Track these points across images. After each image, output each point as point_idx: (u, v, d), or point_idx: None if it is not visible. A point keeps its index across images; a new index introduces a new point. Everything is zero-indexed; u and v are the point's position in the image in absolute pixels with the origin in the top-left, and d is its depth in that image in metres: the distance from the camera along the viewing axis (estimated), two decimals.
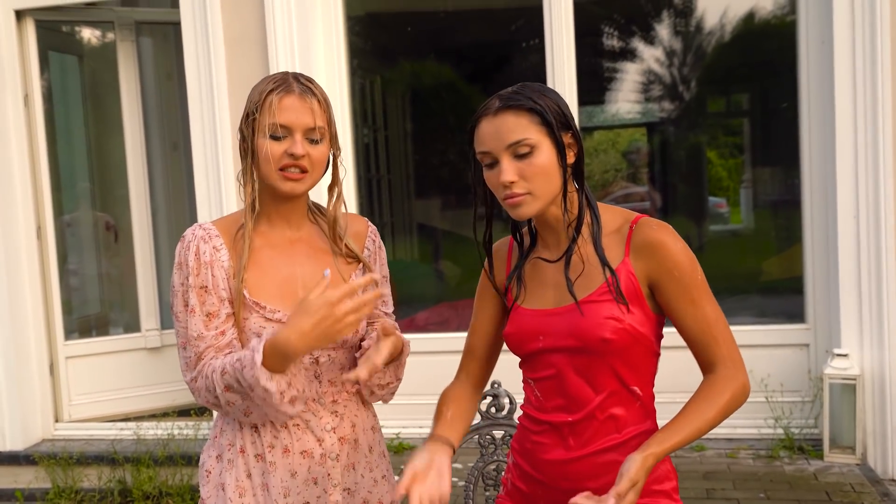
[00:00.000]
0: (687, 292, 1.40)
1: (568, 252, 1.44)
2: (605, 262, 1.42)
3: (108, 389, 4.69)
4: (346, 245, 1.62)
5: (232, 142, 4.00)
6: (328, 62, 4.15)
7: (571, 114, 1.45)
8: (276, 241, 1.58)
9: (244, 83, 3.86)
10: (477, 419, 1.97)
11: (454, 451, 1.46)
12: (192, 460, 3.87)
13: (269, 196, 1.56)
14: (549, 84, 3.98)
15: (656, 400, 1.50)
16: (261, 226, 1.58)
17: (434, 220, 6.16)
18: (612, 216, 1.48)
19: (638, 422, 1.45)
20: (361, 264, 1.65)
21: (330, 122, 1.55)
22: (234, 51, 4.03)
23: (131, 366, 4.76)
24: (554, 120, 1.39)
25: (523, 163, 1.39)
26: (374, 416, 1.69)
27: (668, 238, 1.41)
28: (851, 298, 3.58)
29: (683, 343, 1.47)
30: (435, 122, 6.17)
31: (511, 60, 5.83)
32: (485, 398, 1.95)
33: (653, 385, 1.48)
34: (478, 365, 1.60)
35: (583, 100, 4.28)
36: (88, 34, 5.26)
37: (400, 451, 4.02)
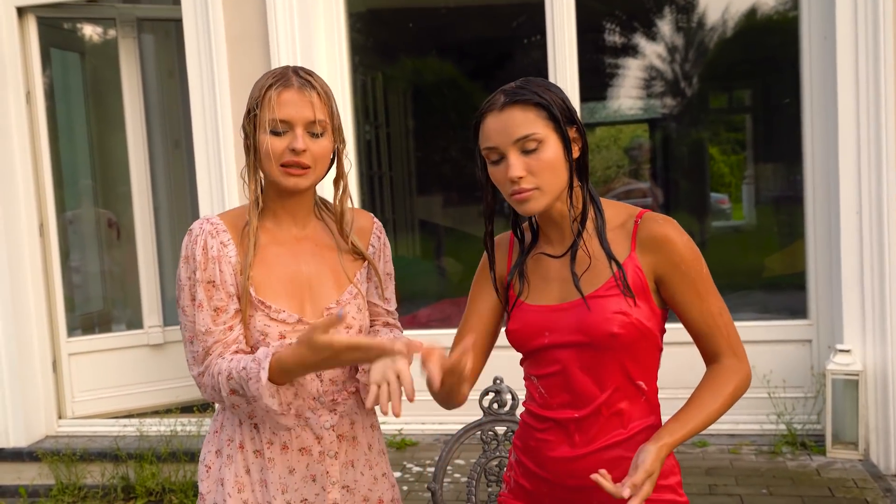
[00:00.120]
0: (693, 286, 1.41)
1: (573, 247, 1.44)
2: (611, 256, 1.41)
3: (111, 386, 4.69)
4: (351, 242, 1.61)
5: (234, 139, 4.00)
6: (330, 59, 4.15)
7: (574, 108, 1.45)
8: (282, 239, 1.57)
9: (246, 80, 3.86)
10: (479, 415, 1.97)
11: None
12: (194, 457, 3.87)
13: (275, 192, 1.55)
14: (552, 80, 3.97)
15: (659, 395, 1.50)
16: (266, 222, 1.56)
17: (436, 217, 6.16)
18: (616, 211, 1.48)
19: (643, 417, 1.45)
20: (366, 262, 1.64)
21: (332, 115, 1.53)
22: (236, 48, 4.03)
23: (134, 362, 4.76)
24: (560, 114, 1.39)
25: (531, 158, 1.38)
26: (374, 413, 1.68)
27: (674, 232, 1.42)
28: (854, 294, 3.57)
29: (687, 339, 1.48)
30: (437, 118, 6.17)
31: (513, 57, 5.83)
32: (487, 394, 1.95)
33: (656, 380, 1.49)
34: (471, 357, 1.54)
35: (584, 96, 4.27)
36: (90, 31, 5.25)
37: (402, 447, 4.02)
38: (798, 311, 3.99)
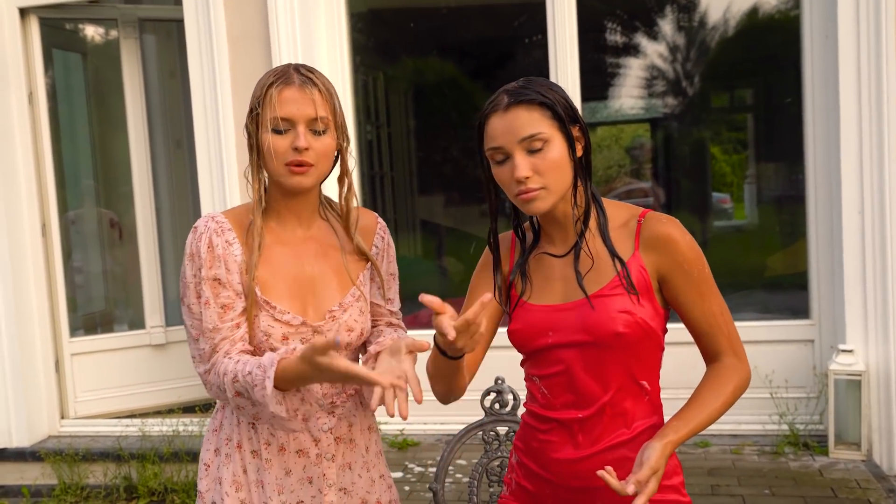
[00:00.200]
0: (696, 286, 1.41)
1: (576, 246, 1.43)
2: (615, 255, 1.41)
3: (113, 386, 4.69)
4: (356, 243, 1.60)
5: (235, 139, 4.00)
6: (331, 59, 4.15)
7: (577, 108, 1.44)
8: (286, 239, 1.56)
9: (247, 80, 3.86)
10: (480, 415, 1.97)
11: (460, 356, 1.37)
12: (196, 457, 3.87)
13: (279, 192, 1.53)
14: (553, 80, 3.96)
15: (660, 395, 1.49)
16: (270, 222, 1.55)
17: (437, 217, 6.16)
18: (618, 211, 1.48)
19: (646, 416, 1.45)
20: (369, 262, 1.63)
21: (334, 112, 1.51)
22: (237, 48, 4.03)
23: (136, 362, 4.77)
24: (564, 113, 1.39)
25: (536, 157, 1.38)
26: (372, 415, 1.66)
27: (677, 232, 1.42)
28: (856, 294, 3.56)
29: (688, 339, 1.48)
30: (438, 118, 6.16)
31: (514, 56, 5.83)
32: (488, 394, 1.95)
33: (659, 379, 1.48)
34: (469, 355, 1.48)
35: (586, 96, 4.27)
36: (92, 32, 5.26)
37: (404, 447, 4.02)
38: (800, 310, 3.98)
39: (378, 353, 1.58)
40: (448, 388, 1.46)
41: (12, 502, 4.01)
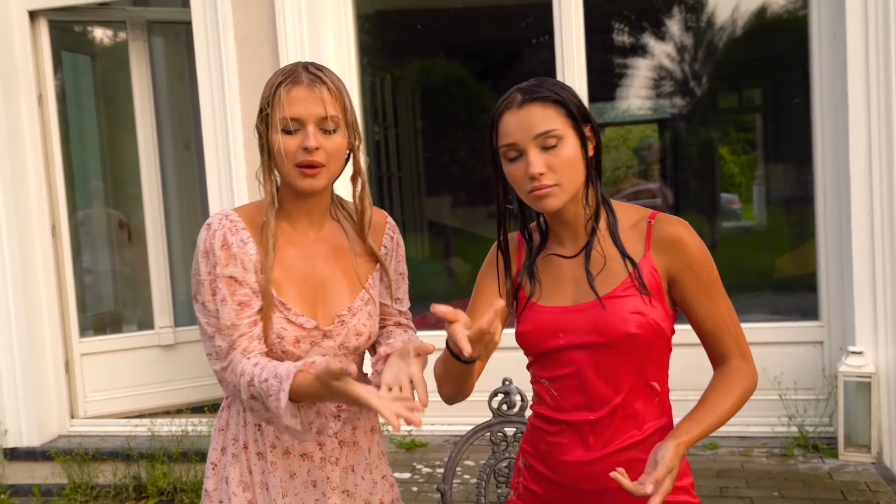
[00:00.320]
0: (704, 287, 1.42)
1: (587, 246, 1.43)
2: (626, 256, 1.41)
3: (122, 386, 4.71)
4: (368, 245, 1.59)
5: (243, 140, 4.02)
6: (338, 60, 4.16)
7: (588, 108, 1.45)
8: (297, 240, 1.55)
9: (255, 82, 3.87)
10: (488, 416, 1.97)
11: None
12: (205, 456, 3.87)
13: (290, 193, 1.52)
14: (560, 80, 3.96)
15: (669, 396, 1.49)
16: (282, 222, 1.54)
17: (445, 218, 6.16)
18: (627, 212, 1.48)
19: (656, 418, 1.44)
20: (379, 264, 1.62)
21: (345, 111, 1.49)
22: (245, 49, 4.04)
23: (145, 363, 4.79)
24: (577, 112, 1.40)
25: (550, 154, 1.38)
26: (375, 416, 1.66)
27: (687, 234, 1.42)
28: (866, 295, 3.55)
29: (696, 341, 1.47)
30: (445, 119, 6.16)
31: (521, 57, 5.82)
32: (496, 395, 1.95)
33: (667, 380, 1.48)
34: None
35: (593, 96, 4.26)
36: (101, 34, 5.28)
37: (411, 448, 4.02)
38: (809, 312, 3.96)
39: (387, 356, 1.59)
40: (457, 390, 1.46)
41: (23, 501, 4.03)
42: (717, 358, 1.46)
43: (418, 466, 3.82)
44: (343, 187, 1.65)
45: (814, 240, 3.91)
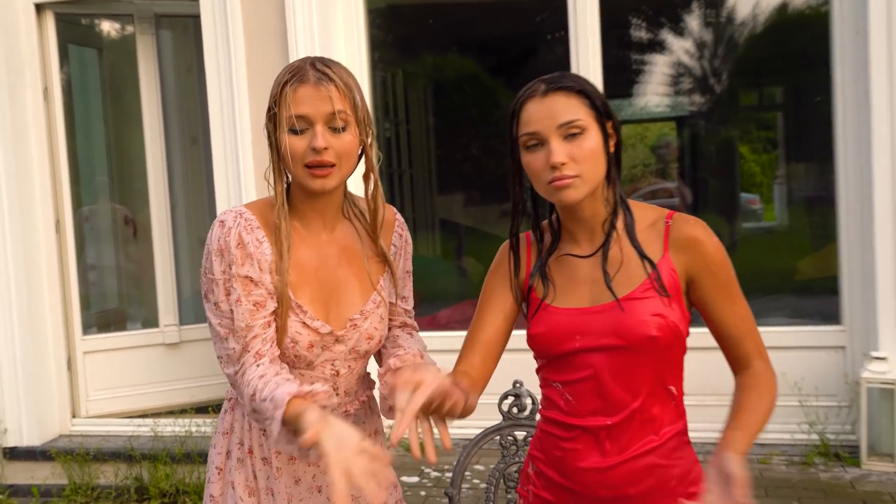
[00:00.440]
0: (725, 288, 1.41)
1: (605, 246, 1.42)
2: (644, 256, 1.40)
3: (125, 385, 4.73)
4: (380, 246, 1.58)
5: (252, 135, 4.02)
6: (349, 55, 4.16)
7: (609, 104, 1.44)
8: (311, 241, 1.53)
9: (264, 76, 3.87)
10: (498, 419, 1.96)
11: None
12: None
13: (302, 193, 1.50)
14: None
15: (686, 402, 1.48)
16: (294, 222, 1.52)
17: (457, 216, 6.16)
18: (644, 212, 1.46)
19: (673, 422, 1.43)
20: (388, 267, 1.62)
21: (355, 107, 1.46)
22: (254, 43, 4.05)
23: (149, 361, 4.80)
24: (600, 106, 1.39)
25: (573, 144, 1.37)
26: (379, 418, 1.67)
27: (705, 234, 1.41)
28: (889, 299, 3.51)
29: (715, 344, 1.46)
30: (458, 115, 6.16)
31: (535, 53, 5.81)
32: (506, 398, 1.94)
33: (683, 383, 1.47)
34: (482, 360, 1.46)
35: (610, 93, 4.23)
36: (108, 27, 5.31)
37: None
38: (831, 316, 3.93)
39: (398, 370, 1.58)
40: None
41: (22, 502, 4.05)
42: (739, 360, 1.44)
43: (426, 470, 3.82)
44: (354, 186, 1.64)
45: (836, 241, 3.88)
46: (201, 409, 4.56)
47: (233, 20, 4.02)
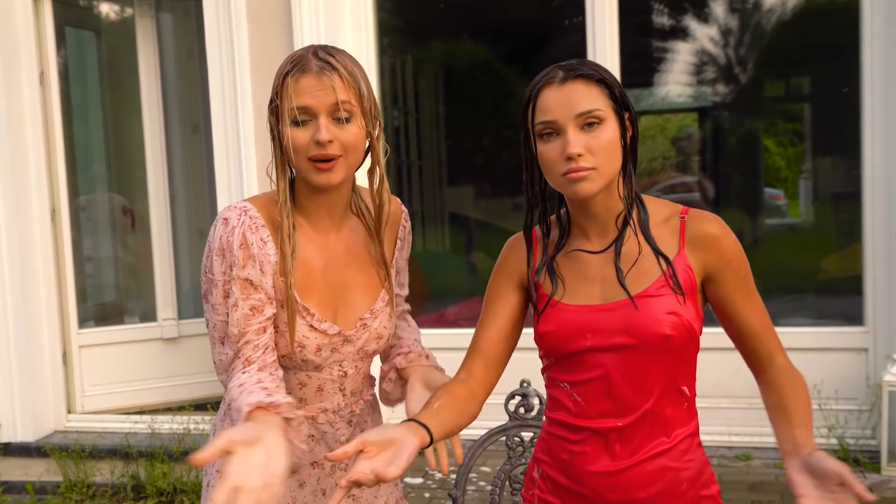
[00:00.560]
0: (744, 285, 1.43)
1: (617, 242, 1.43)
2: (659, 253, 1.41)
3: (122, 381, 4.77)
4: (384, 246, 1.60)
5: (254, 123, 4.05)
6: (356, 40, 4.18)
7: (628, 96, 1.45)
8: (317, 239, 1.54)
9: (268, 63, 3.90)
10: (504, 419, 1.99)
11: (430, 443, 1.35)
12: None
13: (307, 188, 1.49)
14: None
15: (699, 404, 1.49)
16: (300, 218, 1.52)
17: (467, 210, 6.16)
18: (658, 207, 1.47)
19: (685, 423, 1.44)
20: (394, 257, 1.64)
21: (360, 97, 1.45)
22: (257, 27, 4.07)
23: (147, 356, 4.84)
24: (619, 96, 1.40)
25: (590, 135, 1.37)
26: (380, 416, 1.71)
27: (723, 230, 1.43)
28: None
29: (730, 345, 1.48)
30: (469, 104, 6.16)
31: (550, 39, 5.80)
32: (513, 398, 1.96)
33: (695, 384, 1.48)
34: (484, 366, 1.48)
35: (628, 82, 4.23)
36: (106, 9, 5.34)
37: (420, 451, 4.05)
38: (854, 317, 3.94)
39: (403, 369, 1.61)
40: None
41: (16, 499, 4.10)
42: (761, 357, 1.44)
43: (431, 472, 3.85)
44: (361, 180, 1.67)
45: (861, 239, 3.89)
46: (200, 407, 4.59)
47: (235, 3, 4.04)
